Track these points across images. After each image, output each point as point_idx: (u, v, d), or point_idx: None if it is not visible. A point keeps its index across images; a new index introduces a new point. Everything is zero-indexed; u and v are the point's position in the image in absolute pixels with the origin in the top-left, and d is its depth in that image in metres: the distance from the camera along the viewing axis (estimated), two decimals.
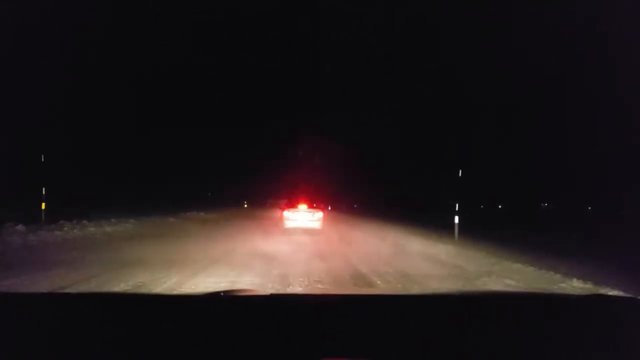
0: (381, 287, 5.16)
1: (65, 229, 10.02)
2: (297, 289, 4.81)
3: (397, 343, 1.18)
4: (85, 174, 23.81)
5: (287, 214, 12.91)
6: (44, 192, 10.89)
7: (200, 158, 41.90)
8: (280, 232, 12.40)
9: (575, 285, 5.53)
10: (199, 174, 42.86)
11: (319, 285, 5.17)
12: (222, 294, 1.61)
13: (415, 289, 4.98)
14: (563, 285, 5.61)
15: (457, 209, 12.03)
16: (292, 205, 13.24)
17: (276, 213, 16.81)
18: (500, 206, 49.87)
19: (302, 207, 13.00)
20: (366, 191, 47.12)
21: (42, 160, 11.34)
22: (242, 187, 47.41)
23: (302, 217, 12.75)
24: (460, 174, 12.64)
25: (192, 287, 4.71)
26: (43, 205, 10.85)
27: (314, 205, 13.46)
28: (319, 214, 12.88)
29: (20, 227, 9.07)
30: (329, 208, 28.92)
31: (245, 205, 42.52)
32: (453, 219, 12.01)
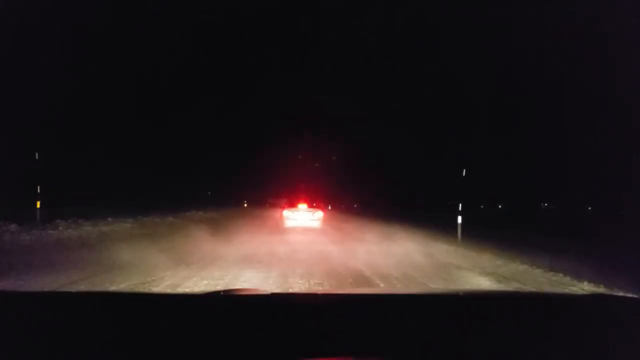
0: (381, 287, 5.15)
1: (60, 228, 9.83)
2: (297, 288, 4.81)
3: (398, 342, 1.18)
4: (85, 173, 23.83)
5: (287, 213, 12.92)
6: (38, 191, 10.80)
7: (200, 158, 41.91)
8: (280, 231, 12.40)
9: (587, 289, 5.32)
10: (199, 174, 42.90)
11: (317, 281, 5.16)
12: (222, 293, 1.61)
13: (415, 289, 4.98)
14: (574, 288, 5.41)
15: (460, 209, 11.88)
16: (292, 204, 13.27)
17: (276, 213, 16.87)
18: (500, 206, 49.84)
19: (302, 206, 13.02)
20: (367, 191, 47.14)
21: (36, 157, 11.27)
22: (242, 187, 47.48)
23: (302, 216, 12.77)
24: (464, 174, 12.54)
25: (187, 289, 4.62)
26: (38, 204, 10.77)
27: (314, 204, 13.49)
28: (319, 214, 12.90)
29: (13, 226, 8.92)
30: (329, 208, 28.94)
31: (246, 205, 42.48)
32: (456, 219, 11.93)
